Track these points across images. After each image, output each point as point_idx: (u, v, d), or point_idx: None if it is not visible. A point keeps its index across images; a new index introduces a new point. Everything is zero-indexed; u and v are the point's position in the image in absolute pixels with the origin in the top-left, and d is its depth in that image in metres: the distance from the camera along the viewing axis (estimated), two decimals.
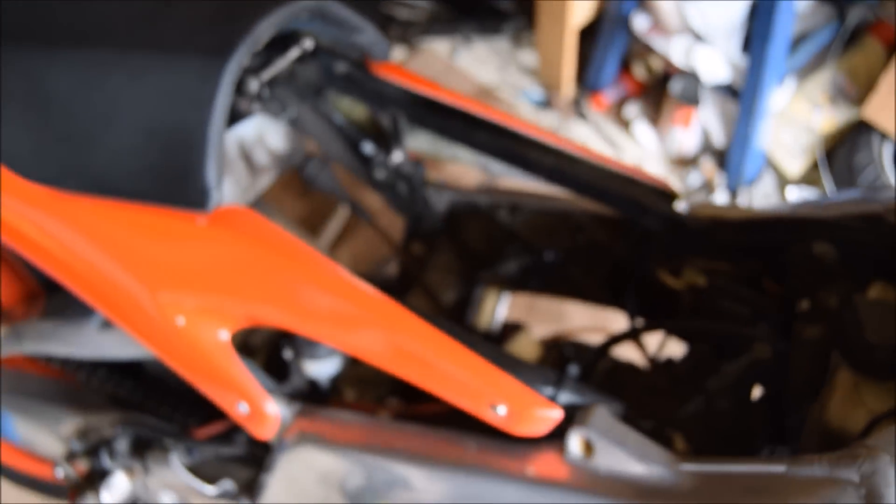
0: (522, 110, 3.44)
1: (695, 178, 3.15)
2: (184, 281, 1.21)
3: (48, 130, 1.18)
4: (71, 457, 1.58)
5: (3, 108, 1.19)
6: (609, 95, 3.39)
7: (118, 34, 1.20)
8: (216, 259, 1.20)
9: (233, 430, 1.43)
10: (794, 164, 3.03)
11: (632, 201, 1.47)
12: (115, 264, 1.21)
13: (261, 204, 1.68)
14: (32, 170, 1.20)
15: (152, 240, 1.21)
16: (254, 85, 1.38)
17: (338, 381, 1.46)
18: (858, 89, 2.93)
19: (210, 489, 1.45)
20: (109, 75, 1.17)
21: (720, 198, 3.07)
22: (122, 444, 1.52)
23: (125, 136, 1.16)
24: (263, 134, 1.54)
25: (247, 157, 1.50)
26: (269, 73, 1.40)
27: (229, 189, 1.47)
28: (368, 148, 1.57)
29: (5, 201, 1.20)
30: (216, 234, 1.18)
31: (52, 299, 1.57)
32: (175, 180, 1.16)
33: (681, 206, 1.46)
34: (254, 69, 1.40)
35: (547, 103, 3.46)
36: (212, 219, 1.17)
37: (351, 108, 1.59)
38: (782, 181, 3.08)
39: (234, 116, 1.45)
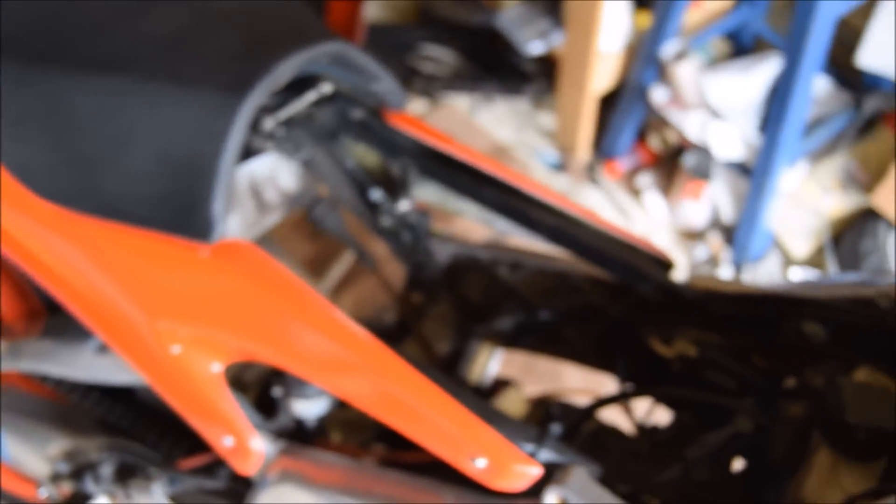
0: (536, 172, 3.47)
1: (701, 252, 3.17)
2: (182, 310, 1.23)
3: (64, 151, 1.21)
4: (56, 478, 1.58)
5: (24, 125, 1.21)
6: (623, 164, 3.42)
7: (141, 62, 1.22)
8: (215, 291, 1.22)
9: (216, 463, 1.44)
10: (801, 246, 3.04)
11: (629, 267, 1.48)
12: (115, 288, 1.23)
13: (267, 241, 1.70)
14: (45, 188, 1.22)
15: (154, 267, 1.22)
16: (269, 124, 1.40)
17: (325, 423, 1.47)
18: (869, 177, 2.96)
19: None
20: (129, 102, 1.19)
21: (725, 273, 3.09)
22: (107, 470, 1.52)
23: (138, 163, 1.19)
24: (275, 172, 1.56)
25: (256, 193, 1.52)
26: (285, 114, 1.43)
27: (235, 224, 1.49)
28: (377, 195, 1.59)
29: (15, 216, 1.22)
30: (217, 267, 1.20)
31: (52, 319, 1.59)
32: (182, 210, 1.18)
33: (677, 276, 1.48)
34: (271, 108, 1.42)
35: (561, 167, 3.49)
36: (215, 251, 1.19)
37: (364, 154, 1.62)
38: (787, 261, 3.10)
39: (248, 153, 1.48)
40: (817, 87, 3.01)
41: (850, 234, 2.96)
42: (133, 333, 1.26)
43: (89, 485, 1.55)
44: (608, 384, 1.65)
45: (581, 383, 2.31)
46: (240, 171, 1.48)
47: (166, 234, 1.20)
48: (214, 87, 1.18)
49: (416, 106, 3.62)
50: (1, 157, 1.22)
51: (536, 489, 1.10)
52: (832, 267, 2.96)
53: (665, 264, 1.51)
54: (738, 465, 1.34)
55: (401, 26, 3.84)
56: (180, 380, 1.28)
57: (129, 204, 1.20)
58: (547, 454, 1.17)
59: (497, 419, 1.18)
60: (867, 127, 3.02)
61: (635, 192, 3.38)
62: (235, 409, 1.29)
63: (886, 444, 1.08)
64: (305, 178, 1.63)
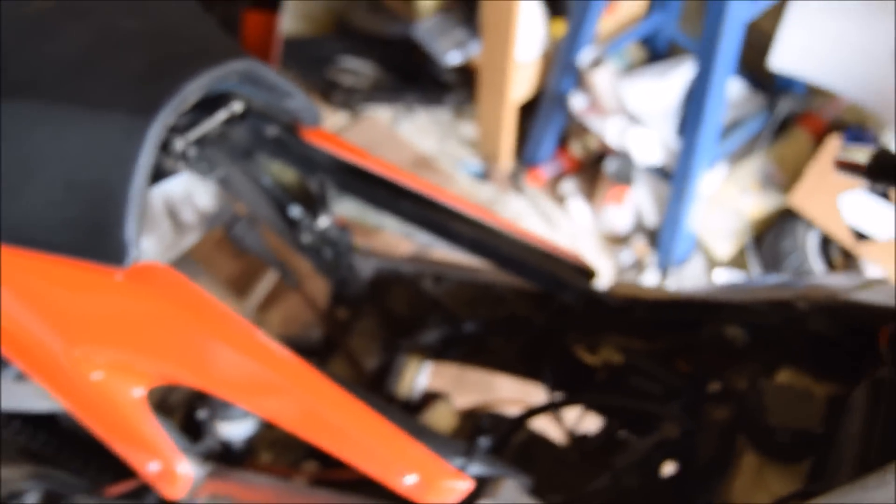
0: (460, 181, 3.47)
1: (627, 257, 3.20)
2: (99, 336, 1.20)
3: None
4: None
5: None
6: (546, 171, 3.44)
7: (45, 86, 1.19)
8: (132, 315, 1.19)
9: (143, 489, 1.41)
10: (724, 247, 3.09)
11: (550, 276, 1.49)
12: (29, 315, 1.20)
13: (187, 262, 1.67)
14: None
15: (69, 293, 1.19)
16: (180, 144, 1.38)
17: (253, 443, 1.45)
18: (786, 177, 3.01)
19: None
20: (33, 128, 1.16)
21: (651, 277, 3.12)
22: (33, 499, 1.49)
23: (46, 189, 1.16)
24: (191, 192, 1.54)
25: (173, 214, 1.50)
26: (195, 134, 1.41)
27: (152, 246, 1.46)
28: (296, 211, 1.57)
29: None
30: (132, 290, 1.17)
31: None
32: (93, 234, 1.15)
33: (598, 284, 1.49)
34: (181, 128, 1.40)
35: (485, 175, 3.50)
36: (129, 274, 1.16)
37: (281, 171, 1.60)
38: (711, 263, 3.14)
39: (160, 174, 1.45)
40: (732, 90, 3.06)
41: (770, 235, 3.01)
42: (50, 361, 1.24)
43: None
44: (539, 393, 1.66)
45: (513, 393, 2.32)
46: (154, 192, 1.46)
47: (79, 259, 1.17)
48: (122, 109, 1.15)
49: (337, 119, 3.60)
50: None
51: (468, 503, 1.09)
52: (754, 267, 3.02)
53: (586, 272, 1.52)
54: (667, 469, 1.35)
55: (318, 39, 3.81)
56: (101, 406, 1.25)
57: (38, 231, 1.17)
58: (477, 468, 1.17)
59: (425, 435, 1.17)
60: (782, 128, 3.08)
61: (559, 199, 3.40)
62: (160, 433, 1.26)
63: (810, 446, 1.10)
64: (223, 197, 1.61)
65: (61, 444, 1.57)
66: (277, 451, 1.55)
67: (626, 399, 1.43)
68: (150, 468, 1.28)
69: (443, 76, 3.57)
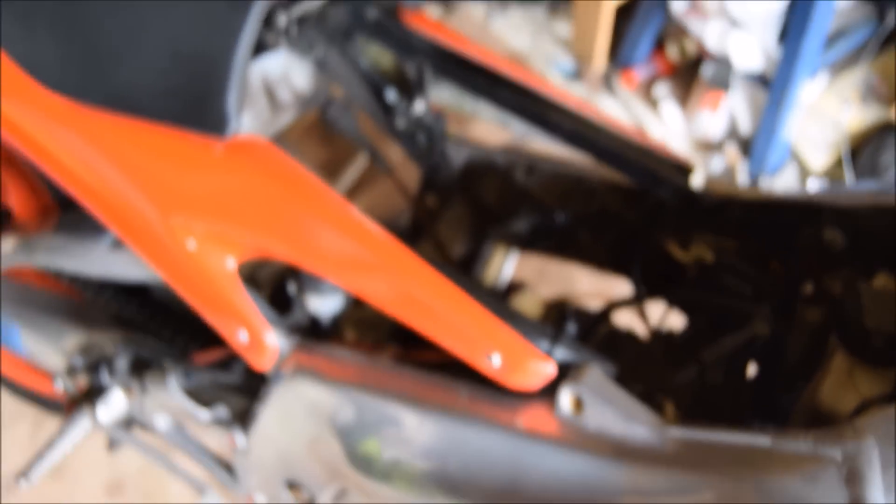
0: (552, 80, 3.42)
1: (718, 163, 3.14)
2: (196, 206, 1.22)
3: (75, 42, 1.19)
4: (71, 371, 1.60)
5: (33, 15, 1.19)
6: (640, 73, 3.37)
7: None
8: (230, 187, 1.20)
9: (232, 359, 1.44)
10: (819, 159, 3.01)
11: (647, 172, 1.47)
12: (128, 183, 1.22)
13: (281, 143, 1.68)
14: (55, 79, 1.20)
15: (168, 162, 1.21)
16: (283, 20, 1.38)
17: (339, 321, 1.47)
18: (890, 90, 2.91)
19: (204, 414, 1.46)
20: None
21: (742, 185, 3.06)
22: (122, 363, 1.53)
23: (151, 56, 1.17)
24: (289, 72, 1.54)
25: (270, 92, 1.50)
26: (298, 10, 1.40)
27: (249, 122, 1.47)
28: (392, 96, 1.56)
29: (22, 108, 1.20)
30: (232, 162, 1.18)
31: (66, 215, 1.59)
32: (195, 104, 1.17)
33: (696, 182, 1.46)
34: (284, 5, 1.40)
35: (577, 75, 3.44)
36: (229, 146, 1.17)
37: (379, 55, 1.59)
38: (805, 174, 3.07)
39: (261, 49, 1.46)
40: None
41: (868, 148, 2.92)
42: (147, 229, 1.25)
43: (105, 378, 1.56)
44: (621, 290, 1.65)
45: (594, 289, 2.31)
46: (253, 69, 1.46)
47: (180, 128, 1.18)
48: None
49: (431, 11, 3.56)
50: (1, 46, 1.20)
51: (551, 388, 1.10)
52: (850, 180, 2.94)
53: (684, 170, 1.49)
54: (752, 370, 1.34)
55: None
56: (195, 275, 1.27)
57: (141, 96, 1.18)
58: (562, 353, 1.17)
59: (513, 317, 1.17)
60: (889, 40, 2.96)
61: (652, 103, 3.34)
62: (250, 304, 1.28)
63: None
64: (319, 79, 1.61)
65: (152, 314, 1.61)
66: (362, 330, 1.56)
67: (717, 296, 1.42)
68: (239, 338, 1.30)
69: None
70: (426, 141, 1.70)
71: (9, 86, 1.20)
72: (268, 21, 1.38)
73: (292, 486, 1.43)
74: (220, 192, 1.21)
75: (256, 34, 1.16)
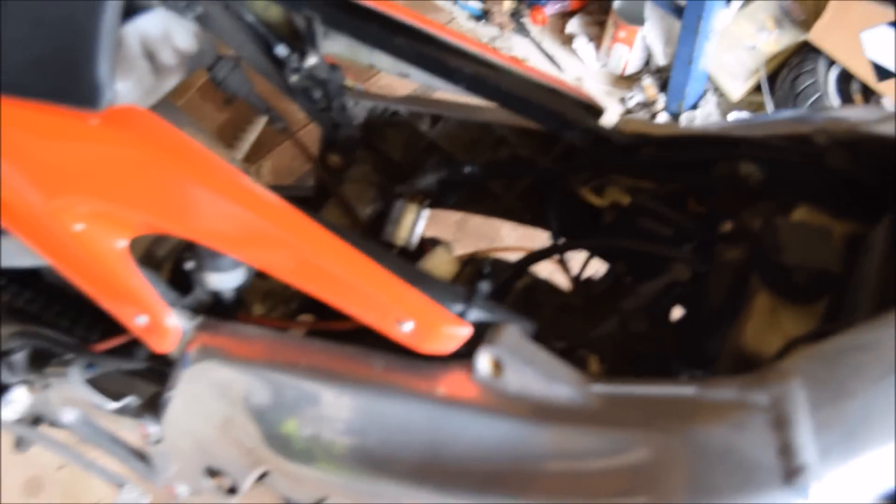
0: (460, 21, 3.36)
1: (636, 99, 3.11)
2: (77, 185, 1.15)
3: None
4: None
5: None
6: (550, 9, 3.32)
7: None
8: (109, 162, 1.13)
9: (133, 344, 1.38)
10: (737, 87, 3.01)
11: (555, 114, 1.42)
12: (4, 166, 1.14)
13: (171, 109, 1.60)
14: None
15: (43, 141, 1.13)
16: None
17: (245, 295, 1.41)
18: (805, 12, 2.90)
19: (111, 404, 1.40)
20: None
21: (661, 119, 3.04)
22: (20, 357, 1.47)
23: (10, 27, 1.08)
24: (169, 32, 1.45)
25: (150, 56, 1.41)
26: None
27: (130, 90, 1.39)
28: (282, 50, 1.48)
29: None
30: (109, 136, 1.10)
31: None
32: (64, 75, 1.08)
33: (606, 121, 1.41)
34: None
35: (484, 15, 3.38)
36: (105, 118, 1.09)
37: (265, 7, 1.51)
38: (725, 104, 3.06)
39: (134, 10, 1.37)
40: None
41: (786, 72, 2.92)
42: (29, 214, 1.19)
43: (5, 375, 1.51)
44: (544, 241, 1.60)
45: (516, 242, 2.28)
46: (127, 31, 1.37)
47: (50, 103, 1.10)
48: None
49: None
50: None
51: (468, 350, 1.06)
52: (770, 106, 2.93)
53: (594, 110, 1.44)
54: (676, 314, 1.32)
55: None
56: (84, 259, 1.21)
57: (5, 73, 1.10)
58: (477, 314, 1.12)
59: (423, 280, 1.13)
60: None
61: (564, 40, 3.29)
62: (145, 285, 1.23)
63: (827, 285, 1.07)
64: (205, 38, 1.52)
65: (47, 302, 1.55)
66: (271, 303, 1.51)
67: (635, 241, 1.39)
68: (137, 322, 1.25)
69: None
70: (323, 96, 1.62)
71: None
72: None
73: (213, 473, 1.39)
74: (100, 168, 1.14)
75: None
